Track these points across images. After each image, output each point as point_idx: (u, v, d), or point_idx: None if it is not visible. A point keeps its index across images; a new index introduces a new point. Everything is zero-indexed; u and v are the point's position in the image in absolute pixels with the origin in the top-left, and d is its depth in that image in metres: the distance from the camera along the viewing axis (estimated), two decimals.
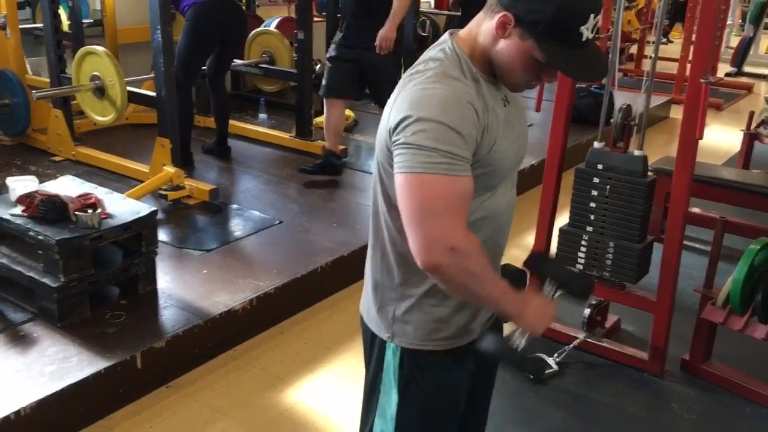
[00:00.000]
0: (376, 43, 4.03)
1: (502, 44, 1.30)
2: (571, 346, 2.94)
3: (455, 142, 1.25)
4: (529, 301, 1.39)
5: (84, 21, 5.29)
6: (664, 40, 9.97)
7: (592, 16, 1.25)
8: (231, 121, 4.81)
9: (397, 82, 1.37)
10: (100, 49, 4.16)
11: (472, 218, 1.37)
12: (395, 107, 1.31)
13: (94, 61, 4.12)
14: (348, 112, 5.69)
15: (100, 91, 4.12)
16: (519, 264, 1.54)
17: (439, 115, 1.24)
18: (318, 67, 5.59)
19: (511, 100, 1.41)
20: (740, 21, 11.07)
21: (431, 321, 1.45)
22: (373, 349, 1.53)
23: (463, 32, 1.38)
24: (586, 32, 1.26)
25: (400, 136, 1.27)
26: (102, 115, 4.20)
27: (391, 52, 4.13)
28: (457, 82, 1.30)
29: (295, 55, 5.06)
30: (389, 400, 1.51)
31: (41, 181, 3.11)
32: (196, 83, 4.88)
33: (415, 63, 1.38)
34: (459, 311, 1.45)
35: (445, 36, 1.38)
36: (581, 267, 2.90)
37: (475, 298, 1.36)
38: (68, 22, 5.05)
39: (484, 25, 1.33)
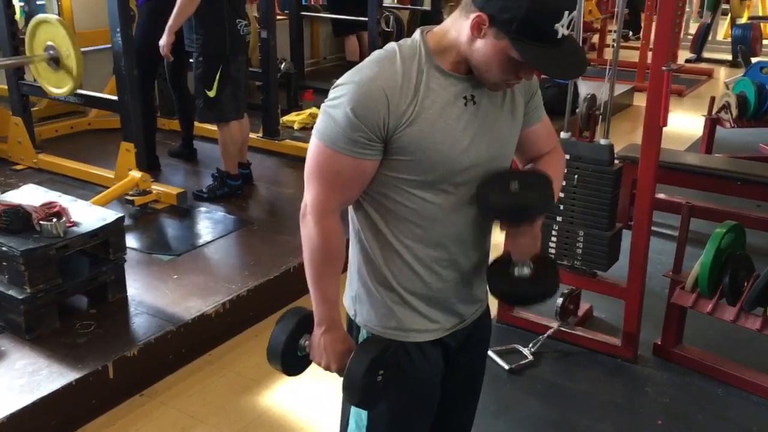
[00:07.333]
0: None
1: (478, 44, 1.29)
2: (546, 335, 2.96)
3: (354, 126, 1.30)
4: (330, 330, 1.46)
5: None
6: (629, 32, 10.06)
7: (566, 13, 1.23)
8: (196, 123, 4.75)
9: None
10: (53, 17, 3.99)
11: (402, 210, 1.39)
12: None
13: (48, 30, 3.92)
14: (314, 110, 5.66)
15: (56, 62, 3.95)
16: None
17: (351, 99, 1.30)
18: (283, 65, 5.55)
19: (480, 101, 1.36)
20: (698, 8, 11.24)
21: (382, 306, 1.47)
22: (351, 335, 1.54)
23: (437, 28, 1.37)
24: (562, 29, 1.24)
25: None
26: (58, 87, 4.04)
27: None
28: (384, 67, 1.32)
29: (259, 54, 5.01)
30: None
31: (3, 191, 3.05)
32: (158, 85, 4.81)
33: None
34: (403, 305, 1.46)
35: (417, 31, 1.38)
36: (553, 257, 2.93)
37: (308, 276, 1.46)
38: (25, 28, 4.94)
39: (458, 25, 1.32)
